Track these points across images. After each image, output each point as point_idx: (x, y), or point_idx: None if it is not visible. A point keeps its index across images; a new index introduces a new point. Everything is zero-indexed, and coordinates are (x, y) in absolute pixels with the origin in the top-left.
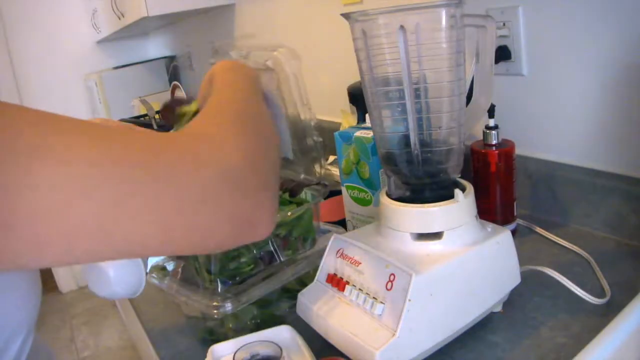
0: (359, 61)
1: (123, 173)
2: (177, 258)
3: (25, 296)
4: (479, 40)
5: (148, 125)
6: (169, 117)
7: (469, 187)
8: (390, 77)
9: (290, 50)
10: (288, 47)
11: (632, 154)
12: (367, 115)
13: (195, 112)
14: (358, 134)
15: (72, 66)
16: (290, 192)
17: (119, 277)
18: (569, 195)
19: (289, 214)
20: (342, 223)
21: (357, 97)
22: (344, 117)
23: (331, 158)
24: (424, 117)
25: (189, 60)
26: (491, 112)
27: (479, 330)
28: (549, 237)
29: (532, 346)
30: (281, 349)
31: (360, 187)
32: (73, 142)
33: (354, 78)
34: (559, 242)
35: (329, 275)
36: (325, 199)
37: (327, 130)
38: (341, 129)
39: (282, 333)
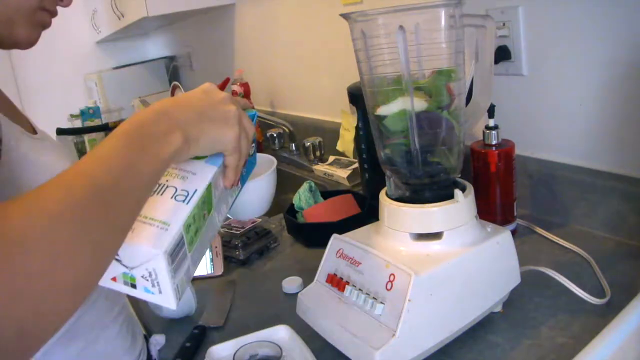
0: (358, 61)
1: None
2: None
3: None
4: (478, 40)
5: None
6: None
7: (469, 187)
8: (390, 77)
9: None
10: None
11: (632, 154)
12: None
13: None
14: None
15: (72, 66)
16: None
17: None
18: (569, 195)
19: None
20: (350, 220)
21: (357, 97)
22: (344, 117)
23: (331, 158)
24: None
25: (189, 60)
26: (491, 112)
27: (479, 330)
28: (549, 237)
29: (532, 346)
30: (281, 349)
31: None
32: None
33: (354, 78)
34: (559, 242)
35: (329, 275)
36: (325, 198)
37: (327, 130)
38: (341, 129)
39: (281, 333)
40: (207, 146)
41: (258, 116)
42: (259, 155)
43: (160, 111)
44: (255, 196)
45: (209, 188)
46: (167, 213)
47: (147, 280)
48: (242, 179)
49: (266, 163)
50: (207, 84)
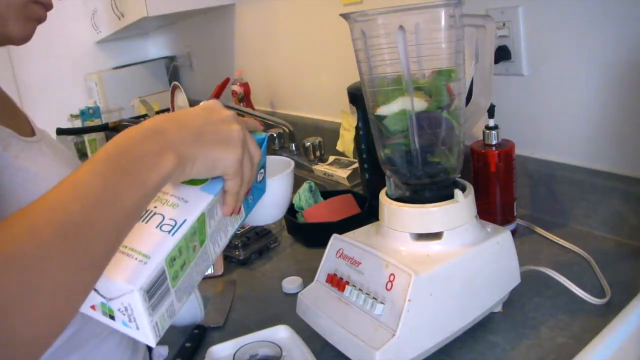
0: (358, 61)
1: None
2: None
3: None
4: (478, 40)
5: None
6: None
7: (469, 187)
8: (390, 77)
9: None
10: None
11: (632, 154)
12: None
13: None
14: None
15: (72, 66)
16: None
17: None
18: (569, 195)
19: None
20: (350, 220)
21: (357, 97)
22: (344, 117)
23: (331, 158)
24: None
25: (189, 60)
26: (491, 112)
27: (479, 330)
28: (549, 237)
29: (532, 346)
30: (281, 349)
31: None
32: None
33: (354, 78)
34: (559, 242)
35: (329, 275)
36: (325, 198)
37: (327, 130)
38: (341, 129)
39: (281, 333)
40: (204, 169)
41: (262, 119)
42: (275, 158)
43: (151, 129)
44: (271, 199)
45: (201, 218)
46: (148, 244)
47: (124, 314)
48: (248, 206)
49: (284, 165)
50: (211, 101)
